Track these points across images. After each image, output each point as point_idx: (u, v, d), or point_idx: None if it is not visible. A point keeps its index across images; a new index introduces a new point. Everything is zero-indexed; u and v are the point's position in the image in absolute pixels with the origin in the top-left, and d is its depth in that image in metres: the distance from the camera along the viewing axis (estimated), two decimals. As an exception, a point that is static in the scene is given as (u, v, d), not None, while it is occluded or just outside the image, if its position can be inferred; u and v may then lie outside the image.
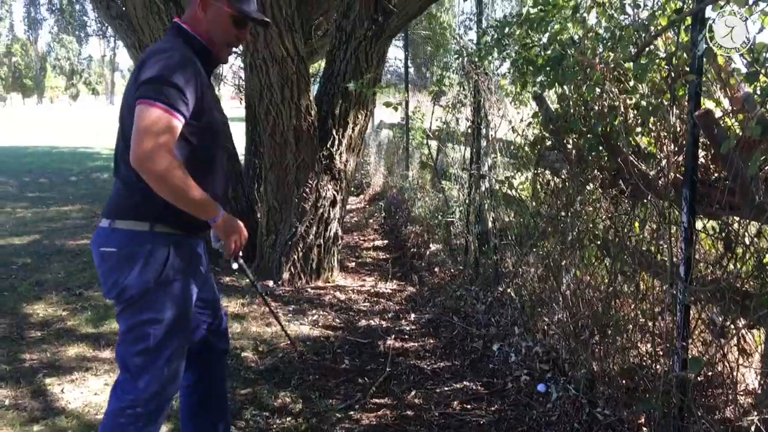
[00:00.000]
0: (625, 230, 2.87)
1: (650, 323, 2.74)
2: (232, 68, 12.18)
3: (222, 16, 2.17)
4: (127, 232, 2.08)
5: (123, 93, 2.18)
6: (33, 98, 71.77)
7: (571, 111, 3.03)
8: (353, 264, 6.12)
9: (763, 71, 2.15)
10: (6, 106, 66.70)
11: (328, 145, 5.25)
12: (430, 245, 6.12)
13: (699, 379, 2.44)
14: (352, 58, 5.09)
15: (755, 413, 2.25)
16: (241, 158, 7.01)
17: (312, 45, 8.64)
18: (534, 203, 3.75)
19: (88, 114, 46.15)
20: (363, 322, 4.52)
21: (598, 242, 3.05)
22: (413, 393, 3.41)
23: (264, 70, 4.82)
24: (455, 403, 3.30)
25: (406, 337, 4.22)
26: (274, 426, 3.09)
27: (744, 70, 2.29)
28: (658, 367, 2.65)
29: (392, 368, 3.70)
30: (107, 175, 12.64)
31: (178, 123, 1.96)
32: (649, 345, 2.78)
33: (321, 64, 10.25)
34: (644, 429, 2.69)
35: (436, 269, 5.57)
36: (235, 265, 2.35)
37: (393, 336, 4.21)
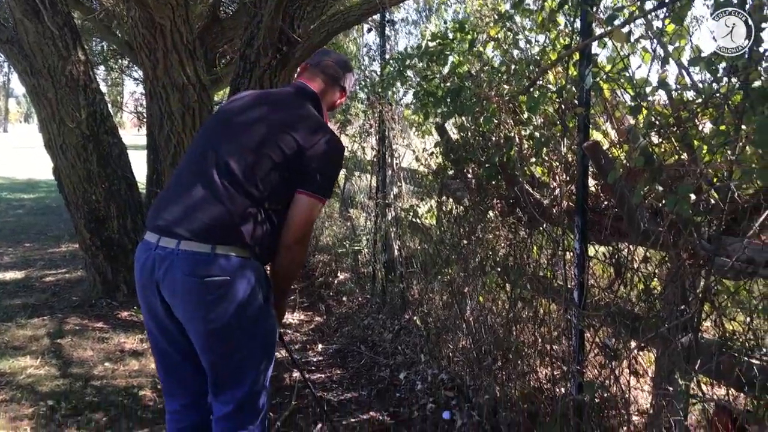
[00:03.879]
0: (524, 257, 2.95)
1: (548, 347, 2.81)
2: (134, 95, 11.84)
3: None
4: (234, 258, 2.03)
5: (262, 120, 2.18)
6: None
7: (471, 141, 3.11)
8: (260, 295, 5.98)
9: (644, 104, 2.27)
10: None
11: (233, 174, 5.14)
12: (338, 274, 6.09)
13: (596, 400, 2.51)
14: (256, 86, 5.04)
15: (647, 432, 2.33)
16: (142, 187, 6.76)
17: (216, 73, 8.53)
18: (438, 231, 3.80)
19: (-22, 141, 43.61)
20: (269, 355, 4.41)
21: (499, 269, 3.11)
22: (319, 426, 3.34)
23: (164, 97, 4.69)
24: (362, 434, 3.27)
25: (313, 368, 4.15)
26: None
27: (628, 102, 2.42)
28: (556, 390, 2.72)
29: (298, 401, 3.62)
30: (-3, 205, 11.91)
31: None
32: (548, 369, 2.84)
33: (226, 92, 10.10)
34: (545, 452, 2.73)
35: (344, 298, 5.54)
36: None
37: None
